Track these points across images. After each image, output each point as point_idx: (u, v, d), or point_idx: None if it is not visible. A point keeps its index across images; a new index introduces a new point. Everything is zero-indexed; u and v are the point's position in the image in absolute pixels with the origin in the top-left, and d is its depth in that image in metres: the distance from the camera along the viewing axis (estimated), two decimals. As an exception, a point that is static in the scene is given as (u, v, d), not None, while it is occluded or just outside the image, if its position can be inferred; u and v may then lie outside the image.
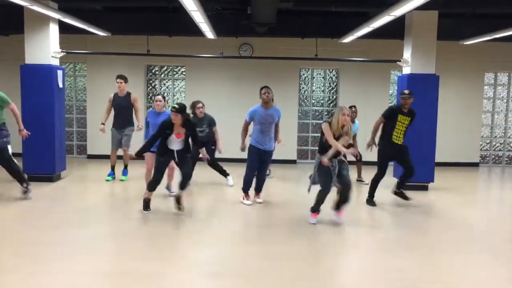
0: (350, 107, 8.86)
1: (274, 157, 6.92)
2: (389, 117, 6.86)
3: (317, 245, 5.19)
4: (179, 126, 6.08)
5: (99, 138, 11.33)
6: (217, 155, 8.10)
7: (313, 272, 4.29)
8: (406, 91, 6.92)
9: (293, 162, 11.35)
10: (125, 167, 8.55)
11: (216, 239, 5.31)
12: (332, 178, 5.76)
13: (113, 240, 5.11)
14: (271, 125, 6.79)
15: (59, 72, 8.21)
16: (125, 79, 8.32)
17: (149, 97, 11.46)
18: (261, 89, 6.82)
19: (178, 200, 6.26)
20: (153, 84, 11.65)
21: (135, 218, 6.10)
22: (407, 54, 8.39)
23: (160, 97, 7.00)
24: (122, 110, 8.30)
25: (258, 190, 7.06)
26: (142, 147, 6.24)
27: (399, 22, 8.05)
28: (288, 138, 11.08)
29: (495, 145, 12.05)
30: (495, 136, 12.00)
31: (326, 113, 11.59)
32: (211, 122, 7.96)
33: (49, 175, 8.05)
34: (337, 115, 5.71)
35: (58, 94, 8.18)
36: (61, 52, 8.34)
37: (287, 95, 11.25)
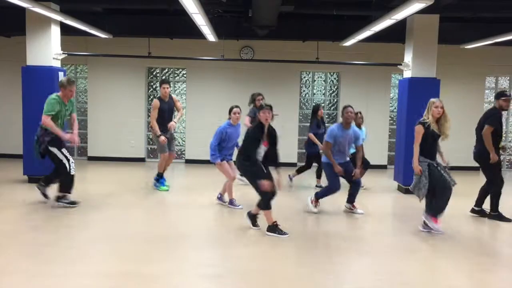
0: (356, 113, 8.55)
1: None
2: (497, 125, 6.42)
3: (321, 249, 5.17)
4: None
5: (100, 140, 11.41)
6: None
7: (315, 275, 4.29)
8: (507, 92, 6.72)
9: (293, 165, 11.35)
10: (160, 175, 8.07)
11: (216, 241, 5.30)
12: (446, 178, 5.57)
13: (115, 242, 5.09)
14: (349, 145, 6.57)
15: (60, 74, 8.21)
16: (169, 84, 8.11)
17: (149, 99, 11.43)
18: (347, 107, 6.43)
19: (252, 216, 5.75)
20: (154, 87, 11.65)
21: (136, 220, 6.10)
22: (408, 57, 8.39)
23: (238, 109, 6.64)
24: (170, 113, 8.02)
25: (353, 200, 6.69)
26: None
27: (401, 26, 8.05)
28: (289, 141, 11.13)
29: (496, 149, 12.02)
30: (496, 140, 11.97)
31: (327, 116, 11.58)
32: None
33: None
34: (429, 109, 5.51)
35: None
36: (63, 54, 8.36)
37: (288, 98, 11.27)
